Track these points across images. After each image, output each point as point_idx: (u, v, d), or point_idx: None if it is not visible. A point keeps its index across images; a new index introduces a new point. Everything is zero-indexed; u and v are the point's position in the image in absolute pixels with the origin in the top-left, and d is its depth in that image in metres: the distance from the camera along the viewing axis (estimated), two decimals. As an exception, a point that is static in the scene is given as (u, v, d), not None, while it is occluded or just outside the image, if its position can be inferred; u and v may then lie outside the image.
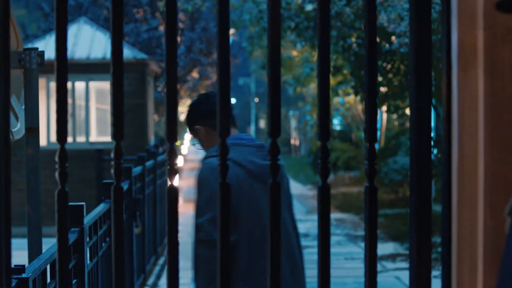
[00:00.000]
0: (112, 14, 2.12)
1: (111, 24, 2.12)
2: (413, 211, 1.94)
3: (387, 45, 11.89)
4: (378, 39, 12.55)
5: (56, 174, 2.07)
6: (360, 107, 20.97)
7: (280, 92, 1.87)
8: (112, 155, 2.17)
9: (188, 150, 40.30)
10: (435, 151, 13.26)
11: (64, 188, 2.16)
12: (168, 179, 2.04)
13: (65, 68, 2.13)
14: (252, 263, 3.56)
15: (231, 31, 30.28)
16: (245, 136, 3.74)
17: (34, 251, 5.61)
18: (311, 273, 10.73)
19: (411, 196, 1.98)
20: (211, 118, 3.66)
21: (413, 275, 1.92)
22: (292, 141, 41.00)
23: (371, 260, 1.78)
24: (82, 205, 4.34)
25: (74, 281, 4.26)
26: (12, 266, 2.89)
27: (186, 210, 11.34)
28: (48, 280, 3.40)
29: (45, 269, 3.27)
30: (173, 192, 2.06)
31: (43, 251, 5.65)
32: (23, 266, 2.89)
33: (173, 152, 2.04)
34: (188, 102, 27.51)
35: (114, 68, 2.13)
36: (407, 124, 23.66)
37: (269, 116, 1.84)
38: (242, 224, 3.53)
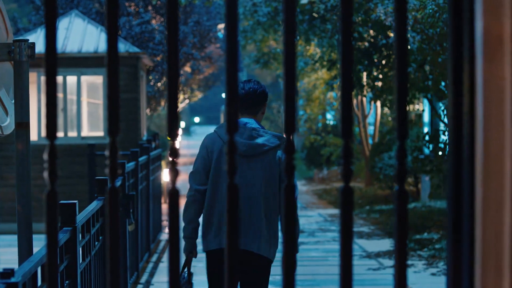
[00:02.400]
0: (107, 8, 1.96)
1: (106, 17, 1.96)
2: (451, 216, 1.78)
3: (383, 39, 11.73)
4: (374, 33, 12.39)
5: (45, 174, 1.89)
6: (354, 102, 20.81)
7: (296, 89, 1.72)
8: (107, 152, 2.00)
9: (180, 144, 40.09)
10: (431, 146, 13.13)
11: (54, 189, 1.99)
12: (170, 182, 1.87)
13: (55, 58, 1.96)
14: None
15: (222, 25, 30.05)
16: (246, 120, 5.10)
17: (24, 248, 5.45)
18: (308, 270, 10.51)
19: (449, 201, 1.82)
20: None
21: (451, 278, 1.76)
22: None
23: (400, 279, 1.61)
24: (75, 203, 4.17)
25: (66, 282, 4.09)
26: (2, 266, 2.72)
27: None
28: (39, 283, 3.22)
29: (36, 272, 3.10)
30: (175, 195, 1.89)
31: (34, 248, 5.49)
32: (12, 270, 2.71)
33: (175, 151, 1.88)
34: (180, 97, 27.28)
35: (109, 62, 1.97)
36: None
37: (285, 113, 1.69)
38: (220, 178, 5.00)
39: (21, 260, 5.43)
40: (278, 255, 5.09)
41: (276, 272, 9.10)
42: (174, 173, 1.93)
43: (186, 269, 5.14)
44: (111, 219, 1.99)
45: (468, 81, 2.04)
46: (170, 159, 1.96)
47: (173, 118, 1.92)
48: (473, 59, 2.04)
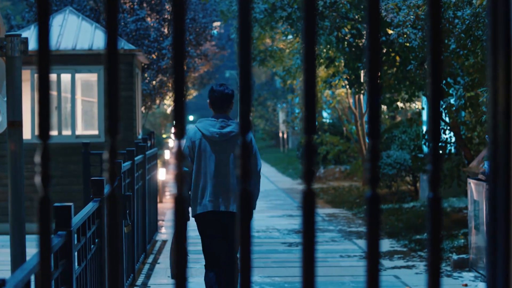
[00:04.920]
0: (106, 3, 1.78)
1: (106, 15, 1.78)
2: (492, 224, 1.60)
3: (383, 36, 11.55)
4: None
5: (37, 178, 1.70)
6: (350, 100, 20.64)
7: (316, 89, 1.54)
8: (106, 154, 1.82)
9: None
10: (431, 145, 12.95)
11: (47, 194, 1.80)
12: (176, 188, 1.68)
13: (48, 55, 1.78)
14: (207, 179, 6.69)
15: (218, 23, 29.82)
16: (220, 116, 6.76)
17: (17, 250, 5.26)
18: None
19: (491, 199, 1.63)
20: (210, 101, 6.78)
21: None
22: (280, 134, 40.69)
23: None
24: (70, 206, 3.97)
25: (60, 289, 3.90)
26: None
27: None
28: (32, 292, 3.02)
29: (29, 281, 2.91)
30: (180, 201, 1.71)
31: (28, 249, 5.29)
32: (4, 280, 2.52)
33: (181, 154, 1.69)
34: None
35: (108, 59, 1.79)
36: (398, 118, 23.33)
37: (305, 115, 1.51)
38: (202, 160, 6.67)
39: (14, 262, 5.24)
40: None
41: (275, 274, 8.95)
42: (181, 178, 1.74)
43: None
44: (110, 228, 1.81)
45: (504, 77, 1.86)
46: (176, 162, 1.78)
47: (179, 119, 1.74)
48: (510, 53, 1.85)
